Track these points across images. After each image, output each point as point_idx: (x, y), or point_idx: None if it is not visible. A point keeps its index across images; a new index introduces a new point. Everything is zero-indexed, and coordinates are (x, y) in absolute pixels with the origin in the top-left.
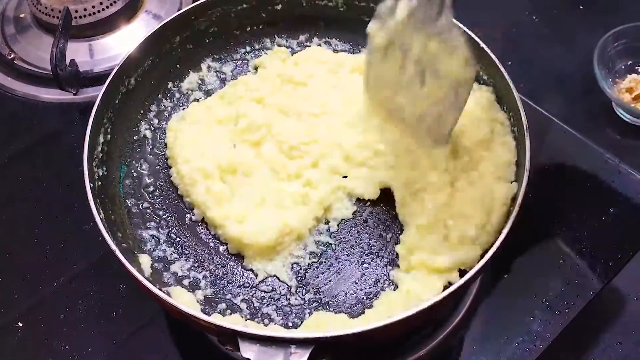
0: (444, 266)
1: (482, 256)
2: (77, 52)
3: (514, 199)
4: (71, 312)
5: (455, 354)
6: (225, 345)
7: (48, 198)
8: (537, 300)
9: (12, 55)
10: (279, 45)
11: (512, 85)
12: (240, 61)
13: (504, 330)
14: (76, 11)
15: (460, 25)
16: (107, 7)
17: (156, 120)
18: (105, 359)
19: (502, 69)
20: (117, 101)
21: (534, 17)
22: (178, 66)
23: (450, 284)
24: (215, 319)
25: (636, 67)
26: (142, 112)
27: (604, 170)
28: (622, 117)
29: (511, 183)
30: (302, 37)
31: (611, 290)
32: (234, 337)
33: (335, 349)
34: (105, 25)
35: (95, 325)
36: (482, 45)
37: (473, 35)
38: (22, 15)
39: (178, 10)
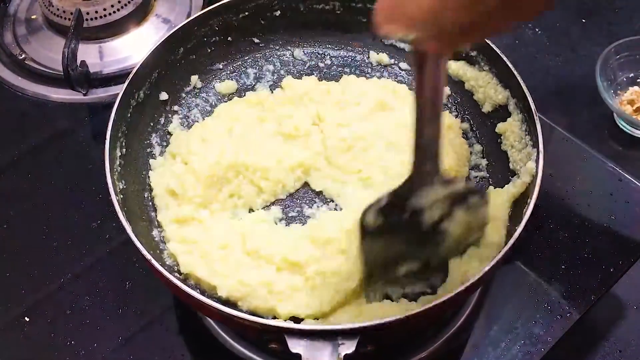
0: None
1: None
2: (87, 54)
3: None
4: (77, 308)
5: (457, 356)
6: (270, 344)
7: (56, 195)
8: (539, 305)
9: (23, 56)
10: (280, 52)
11: (518, 76)
12: (242, 69)
13: (506, 334)
14: (87, 13)
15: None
16: (118, 10)
17: (165, 131)
18: (111, 355)
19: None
20: (129, 115)
21: (537, 30)
22: (183, 77)
23: None
24: (260, 318)
25: (638, 80)
26: (152, 124)
27: (605, 178)
28: (624, 128)
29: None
30: (300, 42)
31: (612, 299)
32: (279, 334)
33: (380, 337)
34: (116, 28)
35: (101, 321)
36: (497, 50)
37: (492, 45)
38: (33, 17)
39: (188, 15)
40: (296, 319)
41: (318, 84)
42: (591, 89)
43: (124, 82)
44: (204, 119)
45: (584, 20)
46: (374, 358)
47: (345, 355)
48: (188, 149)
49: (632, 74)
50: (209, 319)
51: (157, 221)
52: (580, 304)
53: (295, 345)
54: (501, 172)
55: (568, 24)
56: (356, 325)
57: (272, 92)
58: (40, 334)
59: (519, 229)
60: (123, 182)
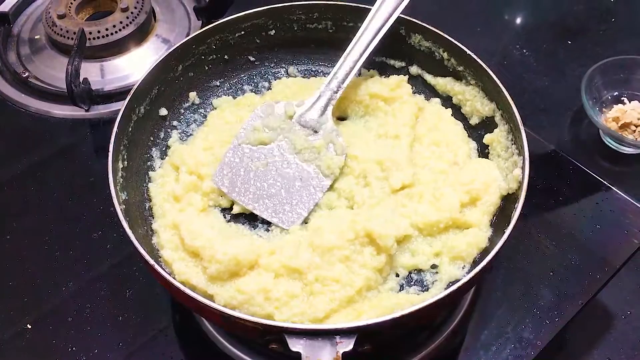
0: None
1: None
2: (89, 72)
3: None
4: (79, 316)
5: (449, 359)
6: (271, 345)
7: (58, 208)
8: (528, 310)
9: (27, 74)
10: (275, 69)
11: (502, 87)
12: (238, 86)
13: (497, 338)
14: (90, 33)
15: (472, 54)
16: (120, 30)
17: (165, 145)
18: None
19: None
20: (130, 129)
21: (524, 51)
22: (181, 93)
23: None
24: (261, 319)
25: (622, 98)
26: (152, 138)
27: (591, 188)
28: (609, 145)
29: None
30: (294, 60)
31: (600, 307)
32: (279, 334)
33: (377, 336)
34: (117, 47)
35: (102, 328)
36: (482, 64)
37: (478, 59)
38: (37, 37)
39: (187, 35)
40: None
41: (307, 81)
42: (577, 108)
43: (125, 99)
44: None
45: (569, 42)
46: None
47: (344, 353)
48: (196, 161)
49: (616, 92)
50: (207, 325)
51: (152, 229)
52: (568, 309)
53: (295, 344)
54: None
55: (554, 45)
56: (353, 324)
57: (263, 94)
58: (43, 341)
59: (508, 231)
60: (125, 193)
